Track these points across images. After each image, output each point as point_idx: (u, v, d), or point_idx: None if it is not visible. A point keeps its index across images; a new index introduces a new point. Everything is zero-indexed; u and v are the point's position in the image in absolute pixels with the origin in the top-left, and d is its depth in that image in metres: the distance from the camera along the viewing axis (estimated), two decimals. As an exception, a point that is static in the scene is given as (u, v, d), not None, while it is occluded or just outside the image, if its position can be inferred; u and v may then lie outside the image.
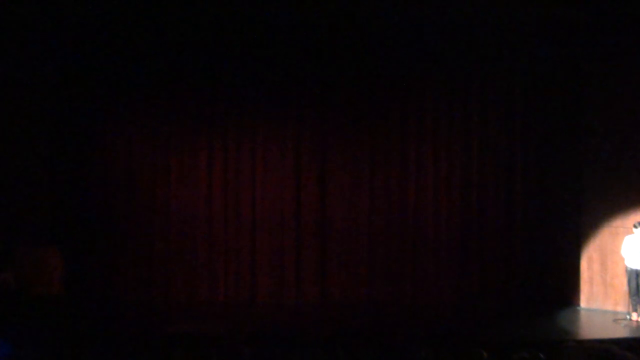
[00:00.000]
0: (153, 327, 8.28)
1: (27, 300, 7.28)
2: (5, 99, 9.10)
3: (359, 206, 10.40)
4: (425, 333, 8.00)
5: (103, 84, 10.21)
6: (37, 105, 9.72)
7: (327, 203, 10.36)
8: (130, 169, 10.30)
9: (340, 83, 10.44)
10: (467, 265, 10.35)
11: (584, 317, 9.55)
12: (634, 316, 8.74)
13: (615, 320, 8.87)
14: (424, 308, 10.01)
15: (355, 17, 9.41)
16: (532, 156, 10.42)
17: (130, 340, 7.06)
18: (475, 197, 10.43)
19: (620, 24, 9.38)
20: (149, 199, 10.26)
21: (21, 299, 7.28)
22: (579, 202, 10.07)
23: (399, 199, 10.44)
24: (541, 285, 10.13)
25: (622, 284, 9.22)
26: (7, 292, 7.54)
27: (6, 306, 7.43)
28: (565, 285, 10.12)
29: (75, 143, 10.15)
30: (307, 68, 10.39)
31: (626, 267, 8.87)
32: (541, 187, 10.38)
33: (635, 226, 8.65)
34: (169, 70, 10.23)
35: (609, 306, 9.59)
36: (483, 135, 10.52)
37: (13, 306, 7.38)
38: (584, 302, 9.97)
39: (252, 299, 10.21)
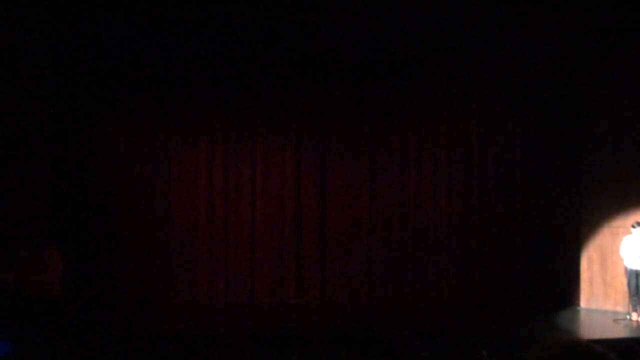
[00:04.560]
0: (153, 327, 8.28)
1: (26, 300, 7.26)
2: (5, 99, 9.09)
3: (359, 206, 10.40)
4: (425, 333, 7.99)
5: (103, 84, 10.20)
6: (37, 105, 9.70)
7: (327, 203, 10.37)
8: (130, 169, 10.29)
9: (340, 83, 10.44)
10: (467, 265, 10.36)
11: (584, 317, 9.56)
12: (634, 316, 8.74)
13: (615, 320, 8.87)
14: (424, 308, 10.01)
15: (355, 16, 9.40)
16: (531, 156, 10.42)
17: (130, 340, 7.06)
18: (475, 197, 10.44)
19: (620, 24, 9.38)
20: (149, 199, 10.26)
21: (21, 299, 7.26)
22: (579, 202, 10.07)
23: (399, 198, 10.44)
24: (541, 285, 10.14)
25: (622, 284, 9.22)
26: (7, 292, 7.52)
27: (6, 306, 7.41)
28: (565, 285, 10.13)
29: (75, 143, 10.15)
30: (307, 68, 10.40)
31: (625, 268, 8.87)
32: (541, 188, 10.38)
33: (633, 226, 8.65)
34: (169, 70, 10.23)
35: (609, 306, 9.59)
36: (483, 135, 10.53)
37: (13, 306, 7.36)
38: (584, 302, 9.98)
39: (252, 299, 10.21)
